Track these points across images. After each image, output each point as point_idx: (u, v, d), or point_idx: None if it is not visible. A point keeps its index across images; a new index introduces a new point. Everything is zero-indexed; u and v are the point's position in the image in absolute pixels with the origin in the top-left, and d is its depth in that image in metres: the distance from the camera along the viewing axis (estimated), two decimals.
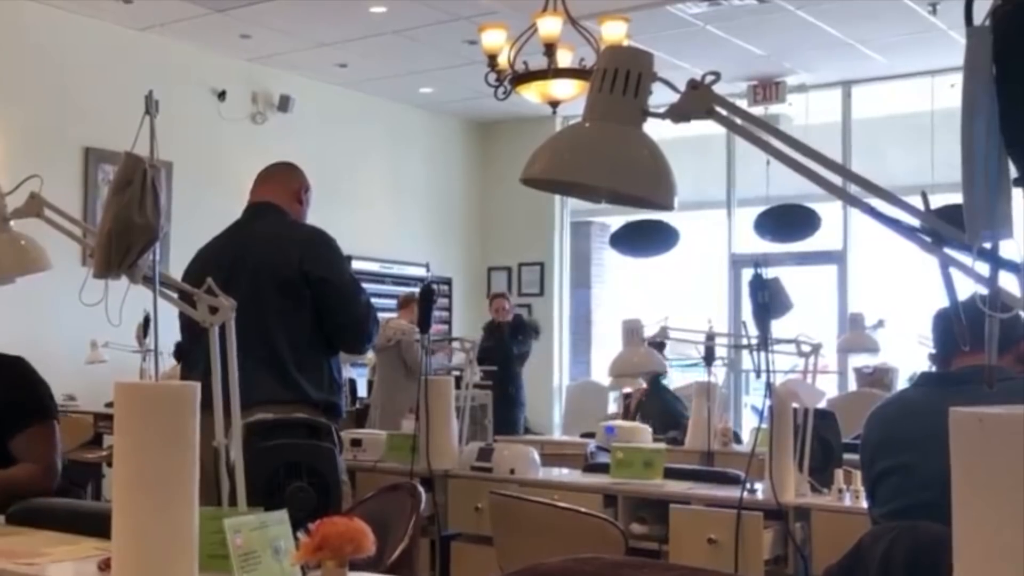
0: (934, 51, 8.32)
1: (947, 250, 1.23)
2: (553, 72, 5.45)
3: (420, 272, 9.97)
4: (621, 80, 1.44)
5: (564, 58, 5.59)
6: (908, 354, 6.89)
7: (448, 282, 10.91)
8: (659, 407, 5.96)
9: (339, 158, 9.63)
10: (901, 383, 7.11)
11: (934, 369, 3.01)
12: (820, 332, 5.21)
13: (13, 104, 7.60)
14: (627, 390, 6.61)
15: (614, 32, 5.54)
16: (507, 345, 8.51)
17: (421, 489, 3.06)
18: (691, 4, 7.67)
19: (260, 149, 8.69)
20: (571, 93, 5.51)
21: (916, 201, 1.27)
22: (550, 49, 5.43)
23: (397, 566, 2.54)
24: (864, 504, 2.95)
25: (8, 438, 3.10)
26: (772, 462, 3.70)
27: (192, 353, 3.43)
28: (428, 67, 9.36)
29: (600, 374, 10.16)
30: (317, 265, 3.51)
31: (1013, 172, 1.17)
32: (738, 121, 1.41)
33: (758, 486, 3.80)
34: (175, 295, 2.12)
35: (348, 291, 3.58)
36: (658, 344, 5.48)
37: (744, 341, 4.08)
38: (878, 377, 7.31)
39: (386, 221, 10.35)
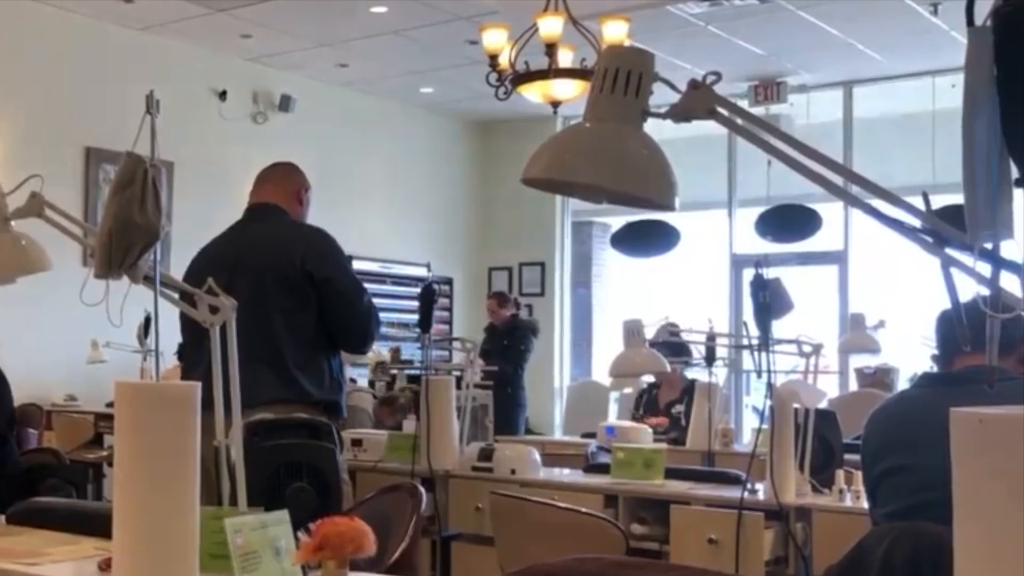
0: (935, 51, 8.31)
1: (948, 250, 1.23)
2: (554, 72, 5.45)
3: (421, 272, 9.97)
4: (622, 80, 1.44)
5: (565, 58, 5.59)
6: (909, 354, 6.89)
7: (449, 282, 10.91)
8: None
9: (340, 158, 9.63)
10: (902, 383, 7.10)
11: (936, 369, 3.00)
12: (821, 332, 5.21)
13: (13, 104, 7.60)
14: (628, 390, 6.60)
15: (615, 32, 5.53)
16: (504, 347, 8.50)
17: (422, 489, 3.07)
18: (692, 4, 7.67)
19: (261, 149, 8.68)
20: (572, 93, 5.51)
21: (917, 201, 1.27)
22: (551, 49, 5.42)
23: (398, 566, 2.54)
24: (865, 505, 2.95)
25: None
26: (773, 462, 3.70)
27: (193, 353, 3.43)
28: (428, 67, 9.35)
29: (601, 374, 10.15)
30: (321, 265, 3.52)
31: (1014, 172, 1.17)
32: (739, 121, 1.41)
33: (759, 486, 3.79)
34: (176, 295, 2.12)
35: (351, 291, 3.59)
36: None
37: (745, 341, 4.08)
38: (879, 378, 7.30)
39: (387, 221, 10.35)
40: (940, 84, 8.73)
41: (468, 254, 11.31)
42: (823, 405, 4.25)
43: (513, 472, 4.39)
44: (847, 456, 3.78)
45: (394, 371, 7.52)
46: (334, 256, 3.61)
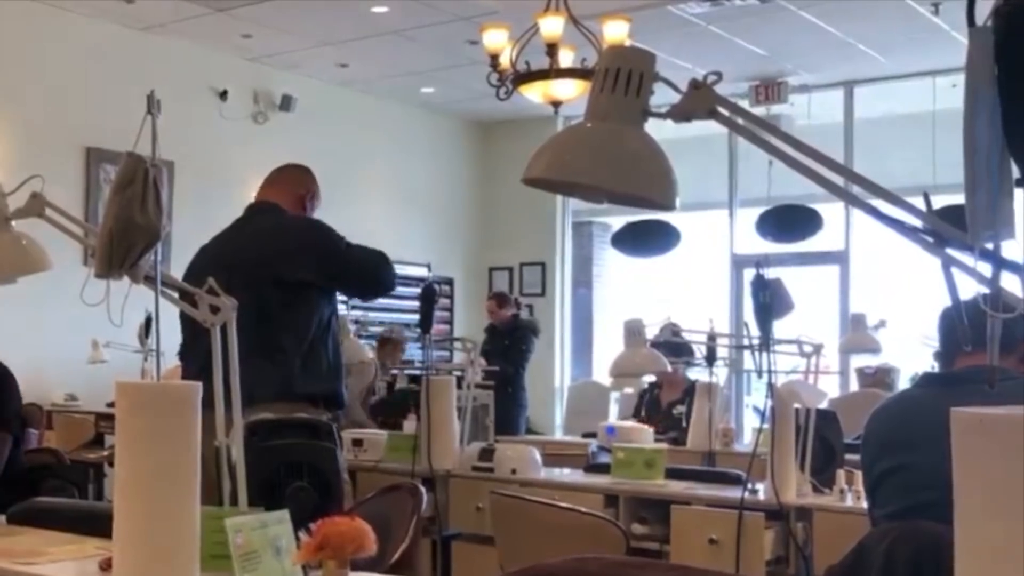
0: (936, 51, 8.31)
1: (949, 251, 1.23)
2: (555, 72, 5.45)
3: (421, 272, 9.97)
4: (623, 80, 1.44)
5: (566, 58, 5.59)
6: (910, 354, 6.89)
7: (450, 282, 10.90)
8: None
9: (340, 158, 9.61)
10: (903, 383, 7.10)
11: (937, 369, 3.00)
12: (822, 332, 5.20)
13: (14, 104, 7.60)
14: (628, 390, 6.60)
15: (616, 32, 5.53)
16: (505, 347, 8.49)
17: (422, 489, 3.07)
18: (693, 4, 7.66)
19: (261, 149, 8.69)
20: (573, 93, 5.51)
21: (918, 201, 1.27)
22: (552, 49, 5.42)
23: (398, 566, 2.54)
24: (866, 505, 2.95)
25: None
26: (774, 462, 3.69)
27: (191, 350, 3.43)
28: (429, 67, 9.35)
29: (601, 374, 10.15)
30: (296, 269, 3.51)
31: (1015, 172, 1.17)
32: (740, 121, 1.40)
33: (759, 486, 3.79)
34: (176, 295, 2.12)
35: (336, 280, 3.66)
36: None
37: (746, 341, 4.08)
38: (880, 377, 7.30)
39: (387, 221, 10.33)
40: (941, 84, 8.73)
41: (468, 254, 11.30)
42: (824, 405, 4.25)
43: (514, 472, 4.39)
44: (848, 456, 3.78)
45: (395, 371, 7.53)
46: (314, 248, 3.59)
